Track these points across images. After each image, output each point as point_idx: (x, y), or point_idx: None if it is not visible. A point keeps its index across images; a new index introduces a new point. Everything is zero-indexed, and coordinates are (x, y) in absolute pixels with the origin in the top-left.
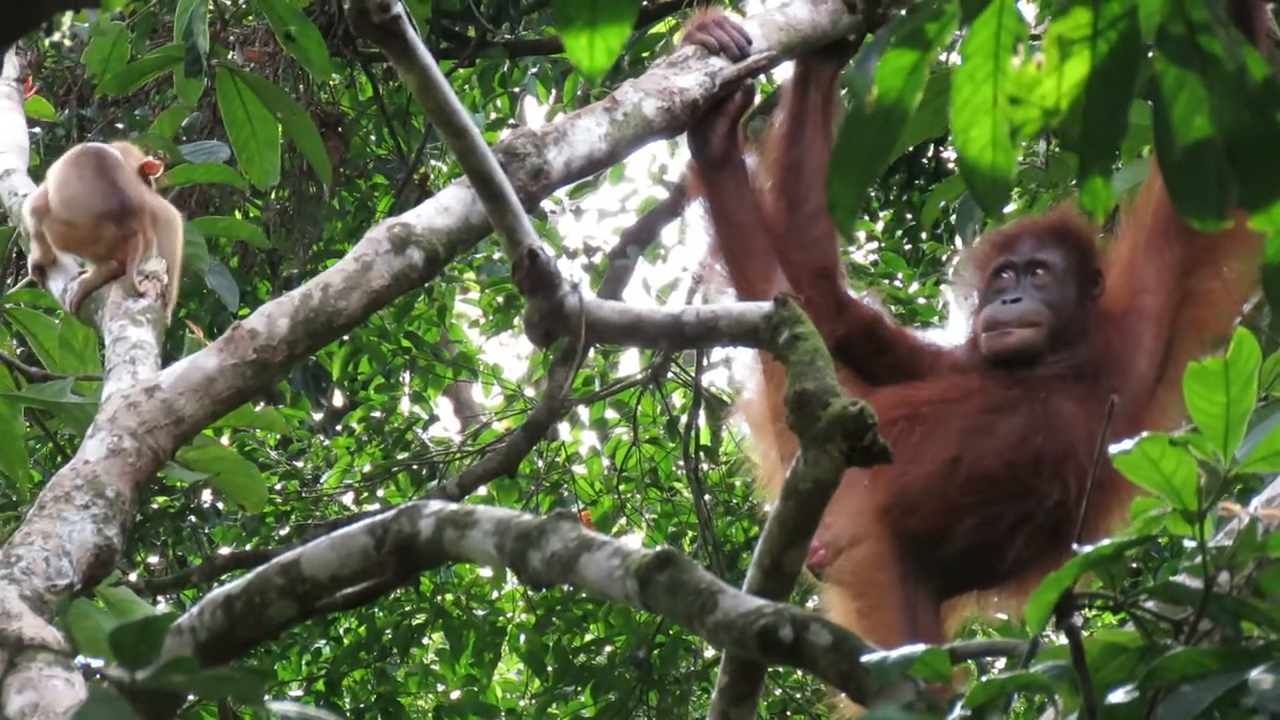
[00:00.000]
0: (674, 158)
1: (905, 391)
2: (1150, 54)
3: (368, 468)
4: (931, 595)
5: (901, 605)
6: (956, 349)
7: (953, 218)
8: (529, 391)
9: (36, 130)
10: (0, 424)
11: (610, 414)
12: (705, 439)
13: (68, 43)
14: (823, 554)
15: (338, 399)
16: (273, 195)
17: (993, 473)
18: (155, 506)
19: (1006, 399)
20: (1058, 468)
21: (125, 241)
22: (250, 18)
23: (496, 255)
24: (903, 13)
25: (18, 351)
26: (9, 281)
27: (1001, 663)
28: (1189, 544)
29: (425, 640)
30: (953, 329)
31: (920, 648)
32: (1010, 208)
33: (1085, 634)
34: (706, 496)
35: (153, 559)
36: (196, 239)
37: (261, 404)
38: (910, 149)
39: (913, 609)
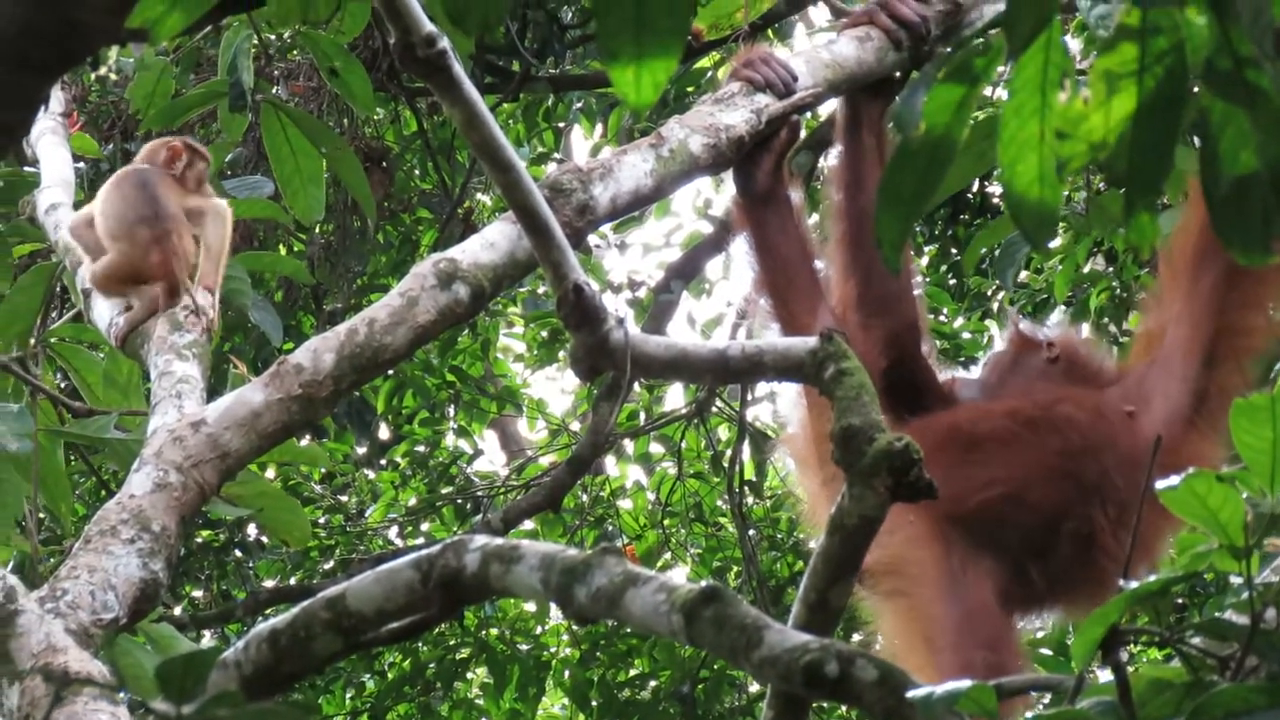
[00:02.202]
0: (718, 192)
1: (942, 419)
2: (1196, 89)
3: (412, 502)
4: (982, 576)
5: (945, 580)
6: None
7: (996, 254)
8: (574, 426)
9: (81, 165)
10: (43, 459)
11: (655, 448)
12: (750, 473)
13: (113, 77)
14: None
15: (383, 433)
16: (317, 229)
17: (997, 431)
18: (200, 540)
19: (1042, 419)
20: (1067, 442)
21: (161, 248)
22: (294, 52)
23: (541, 289)
24: (949, 49)
25: (61, 386)
26: (54, 315)
27: (1047, 698)
28: (1235, 580)
29: (469, 675)
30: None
31: (966, 683)
32: (1055, 243)
33: (1131, 670)
34: (751, 531)
35: (197, 593)
36: (240, 274)
37: (306, 438)
38: None
39: (958, 585)
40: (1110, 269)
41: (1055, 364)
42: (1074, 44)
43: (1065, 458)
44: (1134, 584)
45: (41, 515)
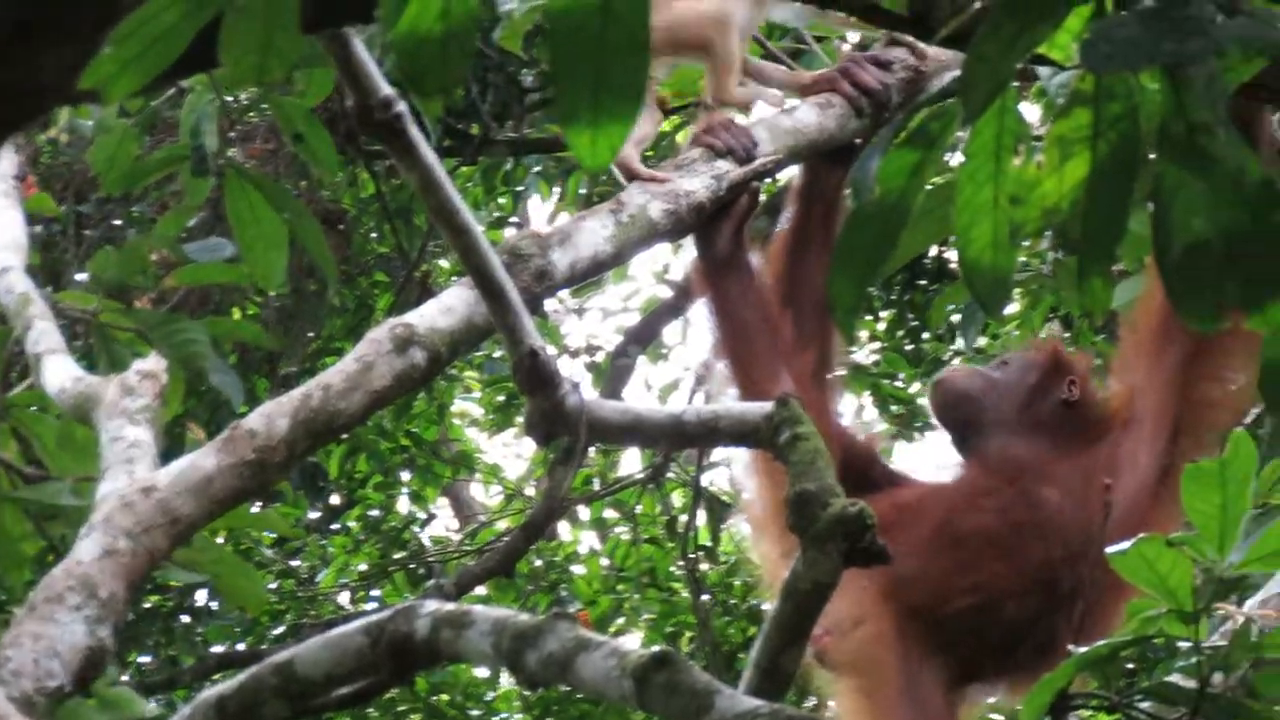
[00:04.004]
0: (677, 256)
1: (903, 490)
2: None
3: (364, 567)
4: (938, 676)
5: (904, 683)
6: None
7: (955, 318)
8: (528, 490)
9: (38, 229)
10: None
11: (609, 513)
12: (704, 538)
13: (64, 138)
14: (827, 639)
15: (334, 497)
16: (272, 292)
17: (985, 531)
18: (147, 606)
19: (1004, 492)
20: (1056, 560)
21: None
22: (252, 113)
23: (497, 354)
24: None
25: (17, 450)
26: (10, 378)
27: None
28: (1184, 644)
29: None
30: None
31: None
32: (1012, 308)
33: None
34: (705, 596)
35: (144, 658)
36: (200, 336)
37: (259, 504)
38: None
39: (916, 687)
40: (1067, 334)
41: (1070, 409)
42: (1029, 109)
43: (1046, 568)
44: (1083, 649)
45: None
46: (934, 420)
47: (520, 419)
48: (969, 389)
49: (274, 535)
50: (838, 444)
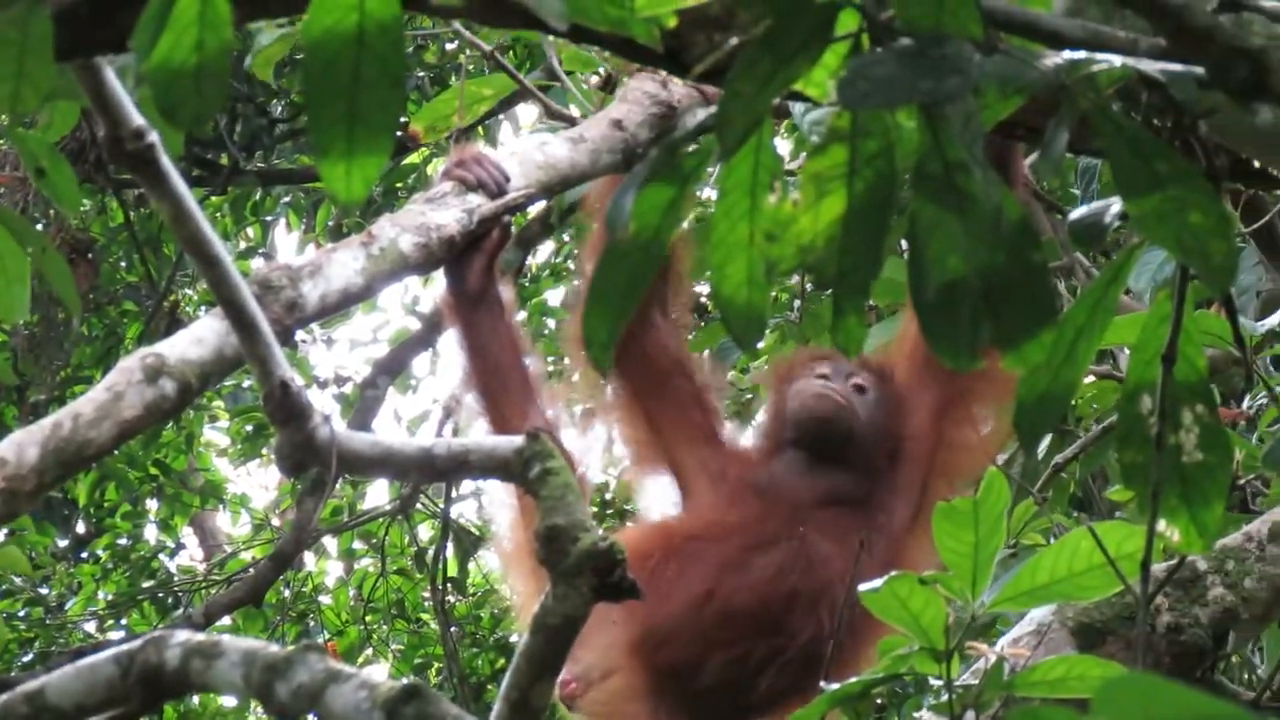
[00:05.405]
0: (426, 288)
1: (664, 527)
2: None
3: (112, 595)
4: None
5: None
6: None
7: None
8: (276, 521)
9: None
10: None
11: (358, 544)
12: (453, 570)
13: None
14: (574, 686)
15: (81, 525)
16: (14, 324)
17: (746, 608)
18: None
19: (765, 535)
20: (812, 605)
21: None
22: (2, 141)
23: (246, 384)
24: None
25: None
26: None
27: None
28: (936, 682)
29: None
30: None
31: None
32: (761, 344)
33: None
34: (453, 628)
35: None
36: None
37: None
38: None
39: None
40: None
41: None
42: (784, 146)
43: (807, 624)
44: (835, 685)
45: None
46: (792, 423)
47: (268, 449)
48: (852, 425)
49: None
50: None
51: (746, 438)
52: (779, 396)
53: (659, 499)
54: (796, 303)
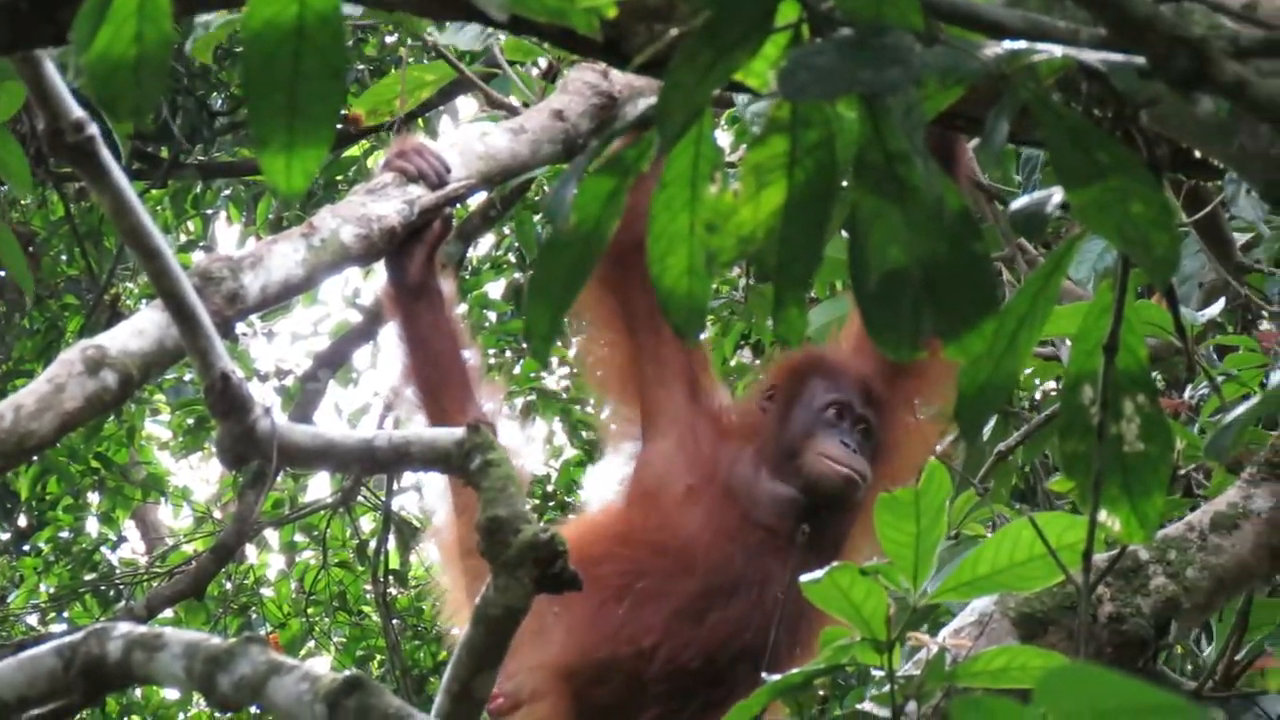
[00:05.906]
0: (367, 280)
1: (615, 525)
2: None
3: (54, 588)
4: None
5: None
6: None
7: None
8: (218, 514)
9: None
10: None
11: (299, 537)
12: (394, 563)
13: None
14: (502, 701)
15: (23, 518)
16: None
17: (691, 666)
18: None
19: (728, 575)
20: (757, 662)
21: None
22: None
23: (187, 377)
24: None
25: None
26: None
27: None
28: (878, 673)
29: None
30: None
31: None
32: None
33: None
34: (395, 620)
35: None
36: None
37: None
38: None
39: None
40: (757, 361)
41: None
42: (724, 137)
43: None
44: (776, 677)
45: None
46: (804, 482)
47: (210, 442)
48: (861, 493)
49: None
50: None
51: (726, 395)
52: (785, 414)
53: (602, 488)
54: (743, 282)
